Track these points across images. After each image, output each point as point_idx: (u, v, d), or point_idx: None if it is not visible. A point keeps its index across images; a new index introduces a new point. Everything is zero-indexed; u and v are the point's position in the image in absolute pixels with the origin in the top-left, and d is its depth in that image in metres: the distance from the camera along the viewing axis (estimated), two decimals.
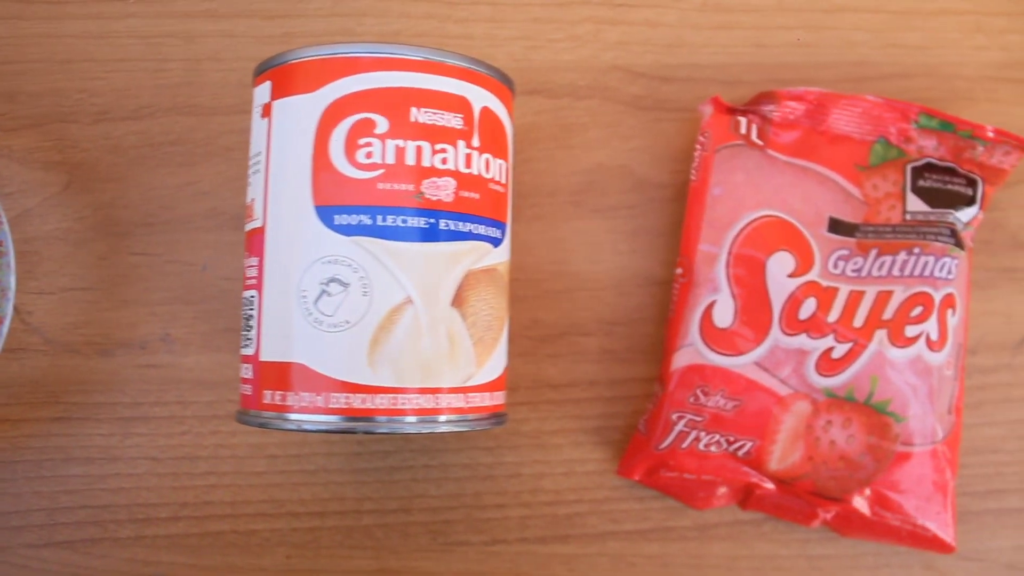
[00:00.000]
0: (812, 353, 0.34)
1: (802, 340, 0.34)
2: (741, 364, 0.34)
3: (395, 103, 0.28)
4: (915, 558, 0.36)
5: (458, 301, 0.29)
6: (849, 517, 0.34)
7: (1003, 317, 0.37)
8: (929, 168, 0.35)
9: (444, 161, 0.29)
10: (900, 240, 0.34)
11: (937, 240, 0.34)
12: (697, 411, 0.34)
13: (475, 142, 0.29)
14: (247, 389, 0.30)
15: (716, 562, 0.36)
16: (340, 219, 0.28)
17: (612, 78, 0.38)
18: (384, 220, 0.28)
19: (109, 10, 0.38)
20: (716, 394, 0.34)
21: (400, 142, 0.28)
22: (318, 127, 0.28)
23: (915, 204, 0.35)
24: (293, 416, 0.28)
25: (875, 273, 0.34)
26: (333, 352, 0.28)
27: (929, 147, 0.35)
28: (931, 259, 0.34)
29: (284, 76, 0.29)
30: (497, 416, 0.31)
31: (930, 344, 0.34)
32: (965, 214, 0.35)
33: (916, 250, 0.34)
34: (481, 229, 0.29)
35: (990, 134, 0.35)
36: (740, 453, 0.34)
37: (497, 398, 0.31)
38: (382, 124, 0.28)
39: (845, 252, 0.35)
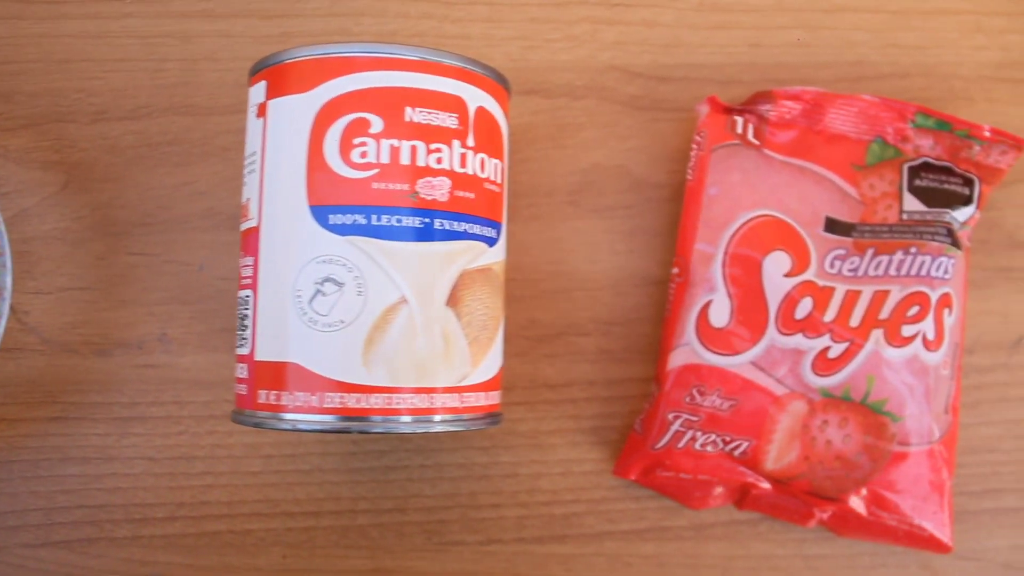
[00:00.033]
0: (808, 353, 0.34)
1: (798, 340, 0.34)
2: (737, 364, 0.34)
3: (390, 103, 0.28)
4: (912, 558, 0.36)
5: (453, 301, 0.29)
6: (845, 517, 0.34)
7: (1000, 316, 0.37)
8: (926, 168, 0.35)
9: (439, 161, 0.29)
10: (897, 240, 0.34)
11: (934, 240, 0.34)
12: (693, 411, 0.34)
13: (470, 142, 0.29)
14: (242, 389, 0.30)
15: (712, 562, 0.36)
16: (335, 219, 0.28)
17: (609, 78, 0.38)
18: (379, 220, 0.28)
19: (107, 10, 0.38)
20: (712, 394, 0.34)
21: (395, 142, 0.28)
22: (313, 127, 0.28)
23: (912, 204, 0.35)
24: (288, 416, 0.28)
25: (871, 273, 0.34)
26: (328, 352, 0.28)
27: (926, 147, 0.35)
28: (928, 259, 0.34)
29: (279, 76, 0.29)
30: (492, 416, 0.31)
31: (926, 344, 0.34)
32: (962, 214, 0.35)
33: (913, 250, 0.34)
34: (476, 229, 0.29)
35: (987, 133, 0.35)
36: (736, 453, 0.34)
37: (492, 398, 0.31)
38: (377, 124, 0.28)
39: (841, 252, 0.34)
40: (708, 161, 0.35)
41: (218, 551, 0.36)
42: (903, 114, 0.35)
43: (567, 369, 0.37)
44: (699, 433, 0.34)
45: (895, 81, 0.38)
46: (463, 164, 0.29)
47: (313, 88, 0.29)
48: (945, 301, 0.34)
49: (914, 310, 0.34)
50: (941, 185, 0.35)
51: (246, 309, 0.30)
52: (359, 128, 0.28)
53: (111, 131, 0.37)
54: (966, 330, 0.37)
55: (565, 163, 0.38)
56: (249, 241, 0.30)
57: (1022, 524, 0.37)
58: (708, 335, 0.34)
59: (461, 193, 0.29)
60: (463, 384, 0.29)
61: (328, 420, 0.28)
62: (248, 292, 0.30)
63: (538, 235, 0.37)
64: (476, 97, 0.30)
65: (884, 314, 0.34)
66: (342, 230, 0.28)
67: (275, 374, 0.29)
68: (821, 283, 0.34)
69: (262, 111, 0.30)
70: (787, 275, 0.34)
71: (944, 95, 0.38)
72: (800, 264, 0.34)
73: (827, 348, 0.34)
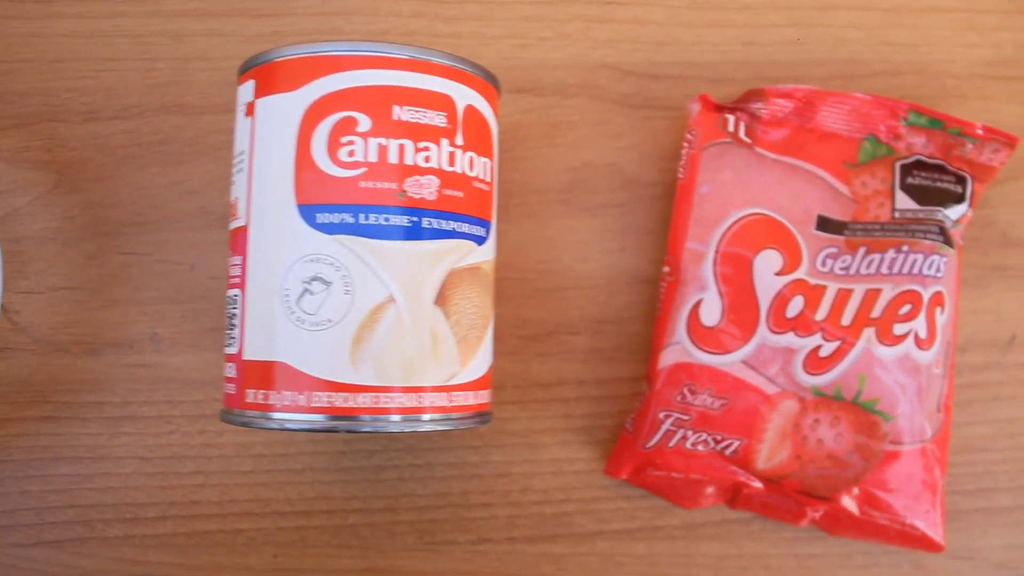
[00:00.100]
0: (799, 351, 0.34)
1: (789, 338, 0.34)
2: (728, 362, 0.34)
3: (378, 101, 0.28)
4: (905, 557, 0.36)
5: (441, 299, 0.29)
6: (838, 516, 0.34)
7: (993, 315, 0.37)
8: (918, 165, 0.35)
9: (427, 159, 0.29)
10: (889, 238, 0.34)
11: (926, 238, 0.34)
12: (684, 410, 0.34)
13: (459, 140, 0.29)
14: (231, 388, 0.30)
15: (704, 561, 0.36)
16: (322, 217, 0.28)
17: (601, 76, 0.38)
18: (367, 218, 0.28)
19: (98, 9, 0.38)
20: (703, 393, 0.34)
21: (383, 140, 0.28)
22: (300, 125, 0.28)
23: (904, 202, 0.35)
24: (276, 415, 0.28)
25: (863, 271, 0.34)
26: (315, 351, 0.28)
27: (918, 144, 0.35)
28: (920, 257, 0.34)
29: (267, 75, 0.29)
30: (482, 415, 0.31)
31: (919, 342, 0.34)
32: (954, 212, 0.35)
33: (905, 248, 0.34)
34: (465, 227, 0.29)
35: (979, 131, 0.35)
36: (727, 452, 0.34)
37: (482, 397, 0.31)
38: (365, 122, 0.28)
39: (833, 250, 0.34)
40: (699, 159, 0.35)
41: (209, 551, 0.36)
42: (895, 112, 0.35)
43: (558, 368, 0.37)
44: (690, 432, 0.34)
45: (888, 79, 0.38)
46: (451, 163, 0.29)
47: (301, 87, 0.29)
48: (937, 299, 0.34)
49: (906, 308, 0.34)
50: (933, 183, 0.35)
51: (234, 308, 0.30)
52: (347, 127, 0.28)
53: (102, 130, 0.37)
54: (959, 329, 0.37)
55: (556, 161, 0.37)
56: (237, 240, 0.30)
57: (1015, 523, 0.36)
58: (699, 334, 0.34)
59: (449, 192, 0.29)
60: (451, 383, 0.29)
61: (316, 419, 0.28)
62: (236, 291, 0.30)
63: (529, 234, 0.37)
64: (465, 95, 0.30)
65: (876, 312, 0.34)
66: (330, 229, 0.28)
67: (263, 373, 0.28)
68: (812, 281, 0.34)
69: (250, 110, 0.30)
70: (778, 273, 0.34)
71: (937, 93, 0.38)
72: (791, 262, 0.34)
73: (818, 347, 0.33)
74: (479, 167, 0.30)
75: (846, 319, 0.34)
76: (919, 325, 0.34)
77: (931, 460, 0.34)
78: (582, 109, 0.38)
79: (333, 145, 0.28)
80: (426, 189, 0.29)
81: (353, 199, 0.28)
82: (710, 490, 0.35)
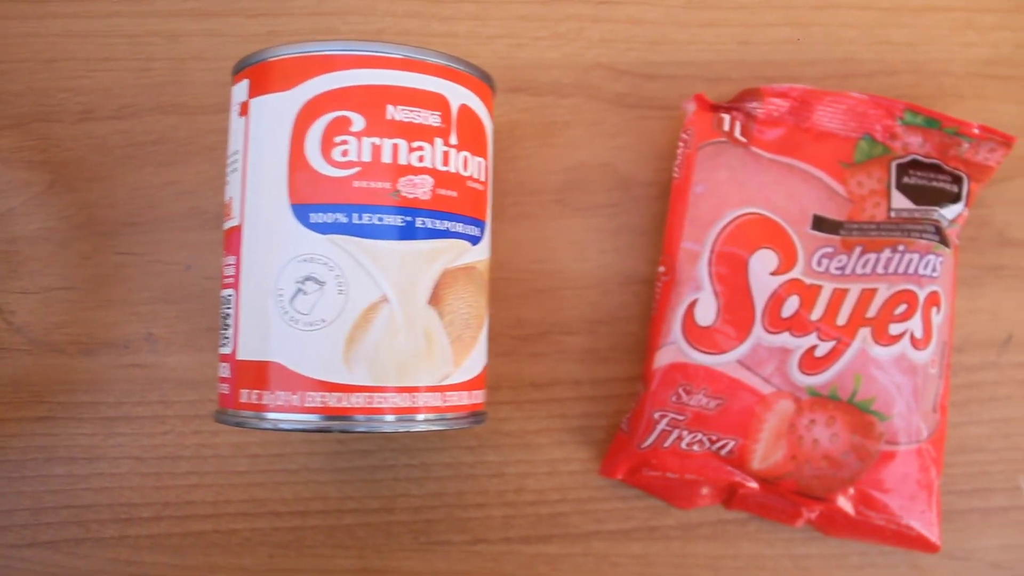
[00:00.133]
0: (795, 351, 0.33)
1: (785, 338, 0.34)
2: (723, 362, 0.34)
3: (371, 101, 0.28)
4: (901, 557, 0.36)
5: (435, 299, 0.29)
6: (833, 516, 0.34)
7: (990, 315, 0.37)
8: (914, 165, 0.35)
9: (421, 159, 0.29)
10: (884, 237, 0.34)
11: (922, 237, 0.34)
12: (679, 410, 0.34)
13: (453, 140, 0.29)
14: (225, 388, 0.30)
15: (700, 562, 0.36)
16: (316, 217, 0.28)
17: (596, 76, 0.38)
18: (360, 218, 0.28)
19: (93, 9, 0.38)
20: (698, 393, 0.34)
21: (376, 140, 0.28)
22: (294, 125, 0.28)
23: (900, 201, 0.35)
24: (270, 415, 0.28)
25: (859, 271, 0.34)
26: (309, 351, 0.28)
27: (914, 144, 0.35)
28: (916, 256, 0.34)
29: (261, 74, 0.29)
30: (476, 415, 0.31)
31: (914, 342, 0.33)
32: (950, 211, 0.35)
33: (901, 247, 0.34)
34: (459, 227, 0.29)
35: (975, 131, 0.35)
36: (723, 452, 0.34)
37: (476, 397, 0.31)
38: (358, 122, 0.28)
39: (829, 250, 0.34)
40: (694, 159, 0.35)
41: (204, 551, 0.36)
42: (892, 111, 0.35)
43: (553, 368, 0.37)
44: (685, 432, 0.34)
45: (884, 78, 0.38)
46: (445, 162, 0.29)
47: (295, 86, 0.28)
48: (933, 299, 0.34)
49: (902, 308, 0.33)
50: (930, 183, 0.35)
51: (228, 308, 0.30)
52: (340, 126, 0.28)
53: (97, 130, 0.37)
54: (955, 328, 0.37)
55: (552, 161, 0.37)
56: (231, 240, 0.30)
57: (1011, 523, 0.36)
58: (694, 334, 0.34)
59: (443, 191, 0.29)
60: (445, 383, 0.29)
61: (310, 419, 0.28)
62: (230, 291, 0.30)
63: (524, 233, 0.37)
64: (459, 95, 0.30)
65: (871, 312, 0.34)
66: (323, 229, 0.28)
67: (257, 373, 0.28)
68: (808, 281, 0.34)
69: (244, 110, 0.30)
70: (773, 273, 0.34)
71: (933, 92, 0.38)
72: (787, 262, 0.34)
73: (814, 347, 0.33)
74: (473, 167, 0.30)
75: (842, 319, 0.34)
76: (915, 325, 0.33)
77: (927, 460, 0.34)
78: (577, 109, 0.38)
79: (327, 145, 0.28)
80: (420, 189, 0.29)
81: (347, 199, 0.28)
82: (706, 490, 0.35)
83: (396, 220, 0.28)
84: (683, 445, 0.34)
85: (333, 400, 0.28)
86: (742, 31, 0.38)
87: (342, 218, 0.28)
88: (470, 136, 0.30)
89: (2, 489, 0.36)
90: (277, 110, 0.29)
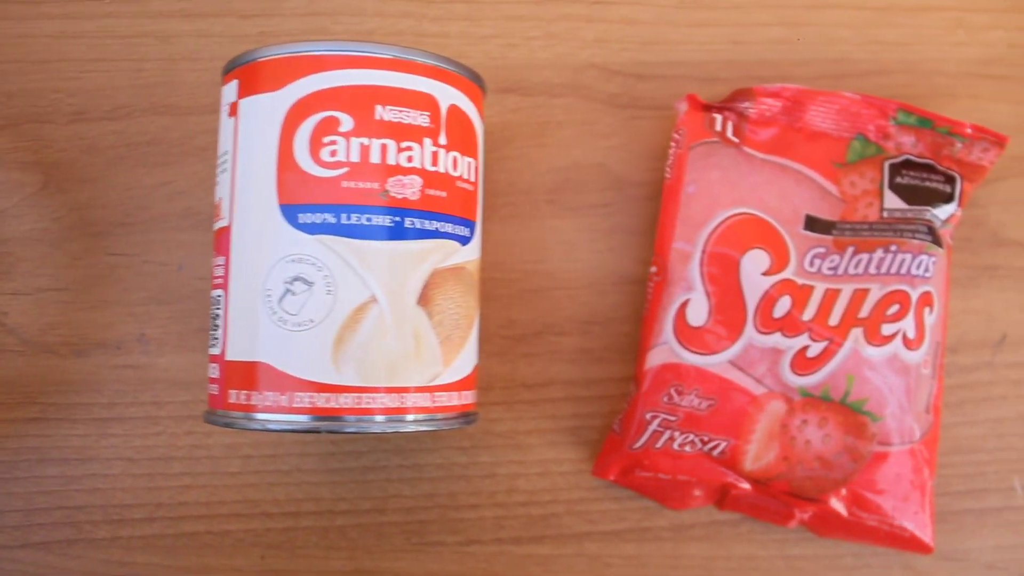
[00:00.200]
0: (787, 352, 0.33)
1: (776, 339, 0.33)
2: (715, 363, 0.34)
3: (360, 101, 0.28)
4: (894, 558, 0.36)
5: (424, 300, 0.29)
6: (826, 517, 0.34)
7: (983, 315, 0.37)
8: (907, 165, 0.35)
9: (410, 159, 0.29)
10: (877, 238, 0.34)
11: (914, 238, 0.34)
12: (671, 410, 0.34)
13: (442, 140, 0.29)
14: (214, 389, 0.30)
15: (693, 563, 0.36)
16: (304, 218, 0.28)
17: (588, 76, 0.38)
18: (349, 219, 0.28)
19: (85, 10, 0.38)
20: (690, 393, 0.34)
21: (365, 140, 0.28)
22: (283, 125, 0.28)
23: (893, 201, 0.35)
24: (258, 416, 0.28)
25: (851, 271, 0.34)
26: (297, 351, 0.28)
27: (907, 144, 0.35)
28: (908, 257, 0.34)
29: (250, 75, 0.29)
30: (466, 415, 0.31)
31: (907, 343, 0.33)
32: (943, 211, 0.35)
33: (893, 248, 0.34)
34: (448, 227, 0.29)
35: (968, 131, 0.35)
36: (715, 453, 0.34)
37: (466, 397, 0.31)
38: (347, 122, 0.28)
39: (821, 250, 0.34)
40: (686, 159, 0.35)
41: (197, 552, 0.36)
42: (884, 111, 0.35)
43: (545, 369, 0.37)
44: (677, 433, 0.34)
45: (877, 78, 0.38)
46: (434, 162, 0.29)
47: (283, 87, 0.28)
48: (926, 300, 0.34)
49: (894, 309, 0.33)
50: (922, 183, 0.35)
51: (218, 309, 0.30)
52: (329, 127, 0.28)
53: (89, 131, 0.37)
54: (949, 329, 0.37)
55: (544, 161, 0.37)
56: (221, 241, 0.30)
57: (1005, 524, 0.36)
58: (686, 334, 0.34)
59: (432, 191, 0.29)
60: (435, 384, 0.29)
61: (298, 420, 0.28)
62: (220, 292, 0.30)
63: (516, 234, 0.37)
64: (448, 95, 0.30)
65: (864, 313, 0.33)
66: (312, 229, 0.28)
67: (245, 374, 0.28)
68: (800, 281, 0.34)
69: (234, 110, 0.30)
70: (765, 273, 0.34)
71: (926, 92, 0.38)
72: (779, 262, 0.34)
73: (806, 347, 0.33)
74: (463, 167, 0.30)
75: (834, 319, 0.33)
76: (907, 325, 0.33)
77: (920, 461, 0.34)
78: (569, 109, 0.38)
79: (315, 145, 0.28)
80: (409, 189, 0.28)
81: (335, 199, 0.28)
82: (698, 491, 0.35)
83: (385, 220, 0.28)
84: (675, 446, 0.34)
85: (322, 401, 0.28)
86: (735, 31, 0.38)
87: (331, 218, 0.28)
88: (459, 136, 0.30)
89: None
90: (266, 110, 0.29)
